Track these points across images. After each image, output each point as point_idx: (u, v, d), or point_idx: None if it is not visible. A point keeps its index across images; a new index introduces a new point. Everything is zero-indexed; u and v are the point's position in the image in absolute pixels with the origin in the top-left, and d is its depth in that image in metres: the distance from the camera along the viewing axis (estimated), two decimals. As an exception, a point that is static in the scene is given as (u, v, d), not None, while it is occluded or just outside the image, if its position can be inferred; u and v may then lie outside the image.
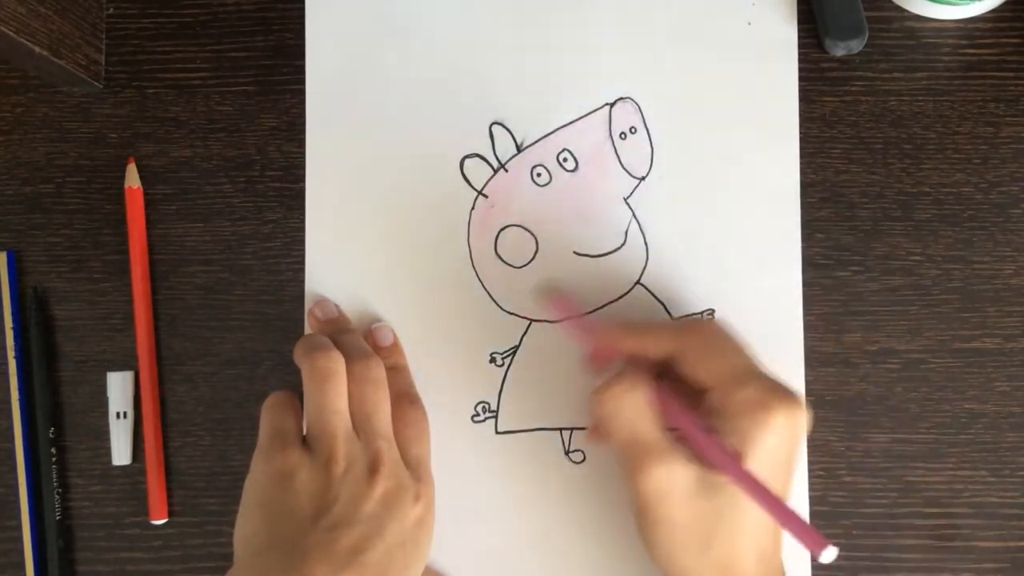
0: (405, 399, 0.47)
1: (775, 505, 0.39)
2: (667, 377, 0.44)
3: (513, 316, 0.50)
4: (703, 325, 0.44)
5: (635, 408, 0.43)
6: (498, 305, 0.50)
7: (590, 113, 0.50)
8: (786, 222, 0.49)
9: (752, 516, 0.41)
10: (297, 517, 0.42)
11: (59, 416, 0.50)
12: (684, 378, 0.43)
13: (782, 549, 0.43)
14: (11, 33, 0.43)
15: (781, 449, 0.41)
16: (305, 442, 0.44)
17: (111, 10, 0.52)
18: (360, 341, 0.47)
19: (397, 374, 0.48)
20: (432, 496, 0.45)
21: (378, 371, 0.45)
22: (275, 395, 0.46)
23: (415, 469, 0.45)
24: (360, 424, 0.44)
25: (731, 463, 0.40)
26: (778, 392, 0.41)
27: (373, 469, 0.43)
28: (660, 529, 0.42)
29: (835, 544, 0.37)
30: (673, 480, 0.41)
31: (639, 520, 0.43)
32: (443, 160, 0.50)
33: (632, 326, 0.45)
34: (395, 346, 0.49)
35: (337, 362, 0.45)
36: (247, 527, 0.43)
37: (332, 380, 0.44)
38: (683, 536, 0.41)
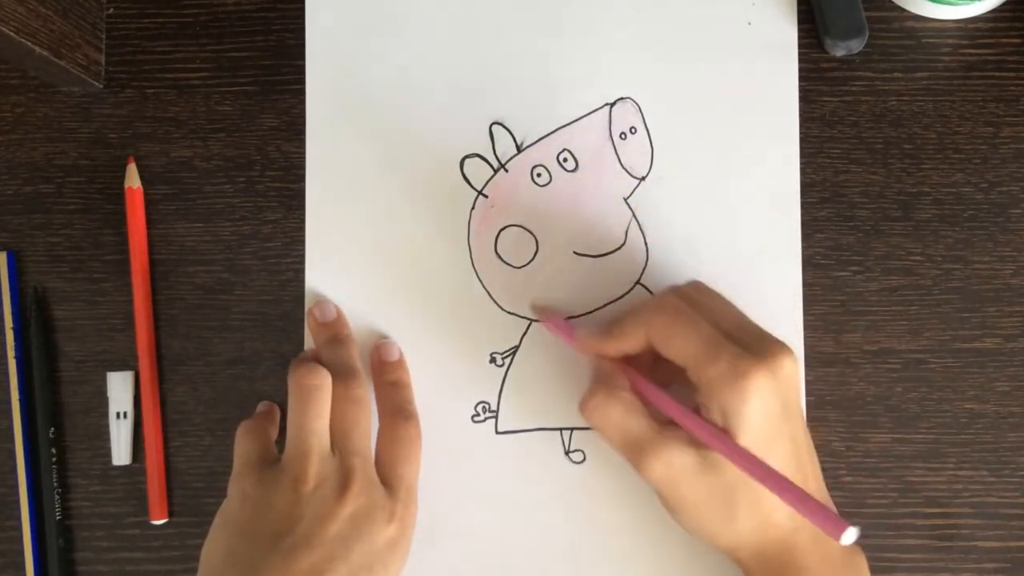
0: (400, 415, 0.47)
1: (772, 480, 0.39)
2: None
3: (513, 316, 0.50)
4: (666, 304, 0.43)
5: (619, 410, 0.42)
6: (498, 305, 0.50)
7: (590, 113, 0.50)
8: (786, 222, 0.49)
9: None
10: (259, 537, 0.42)
11: (59, 416, 0.50)
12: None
13: (820, 478, 0.43)
14: (11, 33, 0.43)
15: (771, 410, 0.40)
16: (280, 462, 0.44)
17: (111, 10, 0.52)
18: (349, 357, 0.47)
19: (397, 389, 0.48)
20: (410, 518, 0.45)
21: (360, 390, 0.46)
22: (245, 422, 0.47)
23: (396, 489, 0.45)
24: (338, 441, 0.45)
25: (719, 440, 0.40)
26: (751, 353, 0.40)
27: (343, 488, 0.43)
28: (682, 511, 0.42)
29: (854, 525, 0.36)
30: (673, 466, 0.41)
31: (663, 506, 0.43)
32: (443, 160, 0.50)
33: (607, 331, 0.45)
34: (399, 362, 0.49)
35: (321, 378, 0.45)
36: (210, 547, 0.44)
37: (313, 397, 0.45)
38: (706, 512, 0.42)
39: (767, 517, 0.41)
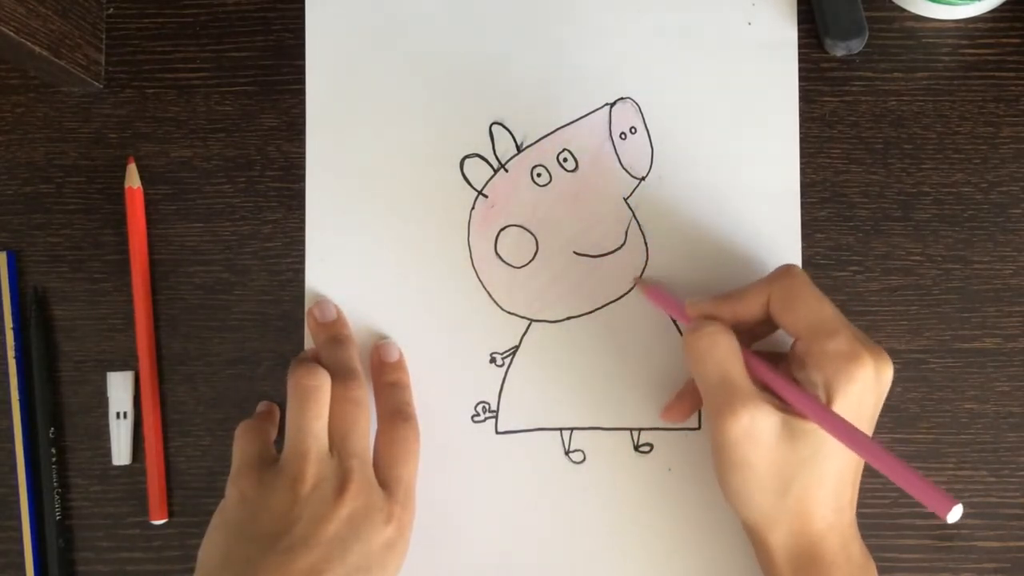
0: (399, 416, 0.47)
1: (865, 446, 0.39)
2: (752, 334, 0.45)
3: (513, 316, 0.50)
4: (790, 275, 0.43)
5: (727, 350, 0.43)
6: (498, 305, 0.50)
7: (590, 113, 0.50)
8: (786, 222, 0.49)
9: (834, 466, 0.42)
10: (256, 538, 0.42)
11: (59, 416, 0.50)
12: (776, 326, 0.44)
13: (856, 504, 0.43)
14: (11, 33, 0.43)
15: (866, 402, 0.41)
16: (278, 462, 0.44)
17: (111, 10, 0.52)
18: (349, 358, 0.47)
19: (396, 390, 0.48)
20: (408, 519, 0.45)
21: (359, 391, 0.46)
22: (244, 423, 0.47)
23: (394, 490, 0.45)
24: (336, 443, 0.45)
25: (815, 407, 0.40)
26: (867, 343, 0.41)
27: (341, 489, 0.43)
28: (739, 471, 0.42)
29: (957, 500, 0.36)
30: (759, 425, 0.41)
31: (718, 461, 0.43)
32: (443, 160, 0.50)
33: (724, 297, 0.45)
34: (399, 363, 0.49)
35: (320, 379, 0.45)
36: (208, 547, 0.44)
37: (312, 398, 0.45)
38: (762, 480, 0.42)
39: (813, 507, 0.42)
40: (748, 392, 0.41)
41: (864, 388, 0.41)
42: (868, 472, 0.49)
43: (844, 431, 0.39)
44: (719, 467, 0.43)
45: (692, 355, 0.43)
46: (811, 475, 0.41)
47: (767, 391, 0.42)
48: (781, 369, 0.44)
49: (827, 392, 0.41)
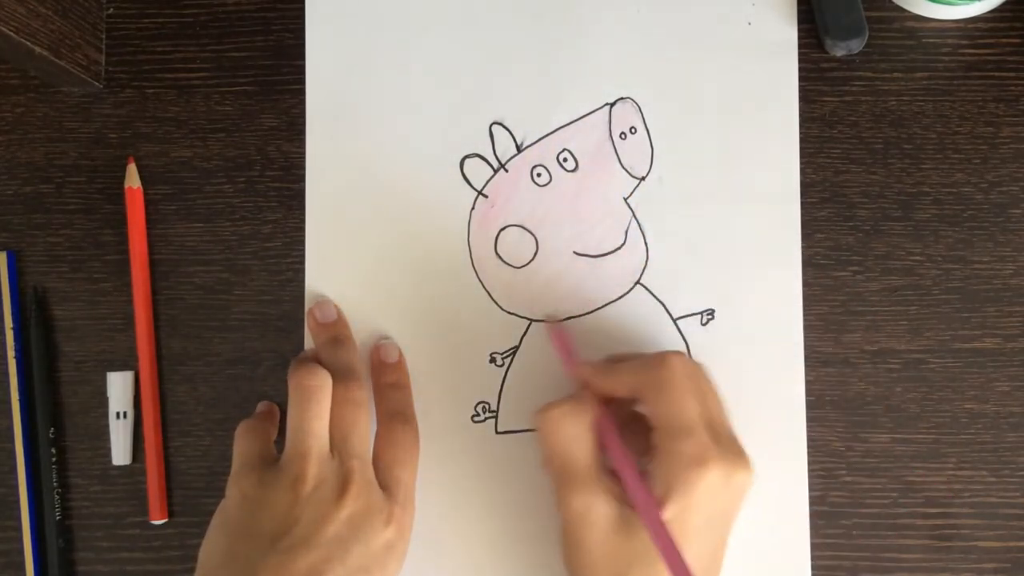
0: (398, 418, 0.47)
1: (677, 565, 0.38)
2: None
3: (513, 316, 0.50)
4: (670, 365, 0.42)
5: (574, 432, 0.42)
6: (498, 305, 0.50)
7: (590, 113, 0.50)
8: (786, 222, 0.49)
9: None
10: (257, 537, 0.42)
11: (59, 416, 0.50)
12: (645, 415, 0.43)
13: None
14: (11, 33, 0.43)
15: (709, 509, 0.40)
16: (279, 462, 0.44)
17: (111, 10, 0.52)
18: (350, 358, 0.47)
19: (396, 392, 0.48)
20: (407, 520, 0.45)
21: (359, 392, 0.46)
22: (245, 422, 0.47)
23: (394, 491, 0.45)
24: (337, 444, 0.45)
25: (649, 509, 0.40)
26: (722, 450, 0.40)
27: (342, 489, 0.43)
28: (577, 555, 0.42)
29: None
30: (593, 511, 0.41)
31: (562, 540, 0.42)
32: (443, 160, 0.50)
33: (604, 367, 0.45)
34: (399, 364, 0.49)
35: (321, 379, 0.45)
36: (208, 546, 0.44)
37: (313, 399, 0.45)
38: (597, 567, 0.41)
39: None
40: (586, 477, 0.41)
41: (707, 494, 0.40)
42: (868, 472, 0.49)
43: (661, 540, 0.39)
44: (562, 547, 0.43)
45: (539, 434, 0.43)
46: (647, 571, 0.40)
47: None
48: (642, 456, 0.43)
49: (666, 491, 0.40)
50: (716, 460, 0.40)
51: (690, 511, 0.40)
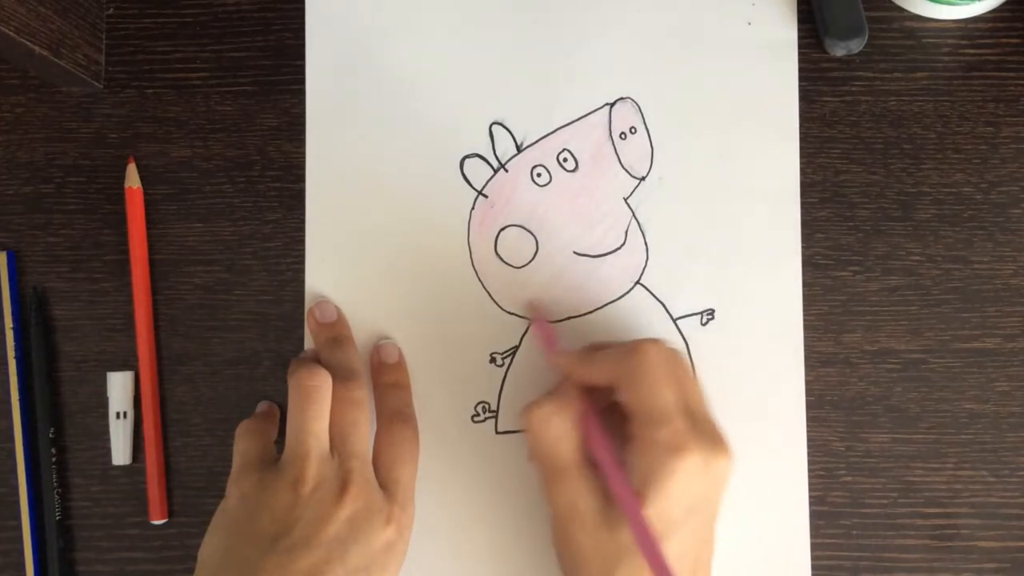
0: (398, 418, 0.47)
1: (655, 559, 0.38)
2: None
3: (513, 316, 0.50)
4: (644, 353, 0.42)
5: (559, 429, 0.43)
6: (498, 305, 0.50)
7: (590, 113, 0.50)
8: (786, 222, 0.49)
9: None
10: (257, 538, 0.42)
11: (59, 416, 0.50)
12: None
13: None
14: (11, 33, 0.43)
15: (689, 497, 0.40)
16: (279, 462, 0.44)
17: (111, 10, 0.52)
18: (350, 358, 0.47)
19: (396, 392, 0.48)
20: (407, 520, 0.45)
21: (360, 392, 0.46)
22: (245, 422, 0.47)
23: (393, 491, 0.45)
24: (337, 444, 0.45)
25: (628, 501, 0.40)
26: (699, 436, 0.40)
27: (342, 490, 0.43)
28: (567, 549, 0.42)
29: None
30: (578, 504, 0.41)
31: (552, 536, 0.43)
32: (443, 160, 0.50)
33: (582, 355, 0.45)
34: (398, 364, 0.49)
35: (321, 379, 0.45)
36: (209, 546, 0.44)
37: (314, 399, 0.45)
38: (586, 564, 0.41)
39: None
40: (573, 472, 0.42)
41: (685, 482, 0.40)
42: (868, 472, 0.49)
43: (641, 537, 0.39)
44: (552, 541, 0.43)
45: (527, 432, 0.43)
46: (632, 565, 0.40)
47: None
48: (622, 447, 0.42)
49: (643, 481, 0.40)
50: (693, 447, 0.40)
51: (670, 500, 0.40)
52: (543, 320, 0.48)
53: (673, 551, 0.40)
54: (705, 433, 0.41)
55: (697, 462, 0.40)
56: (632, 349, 0.42)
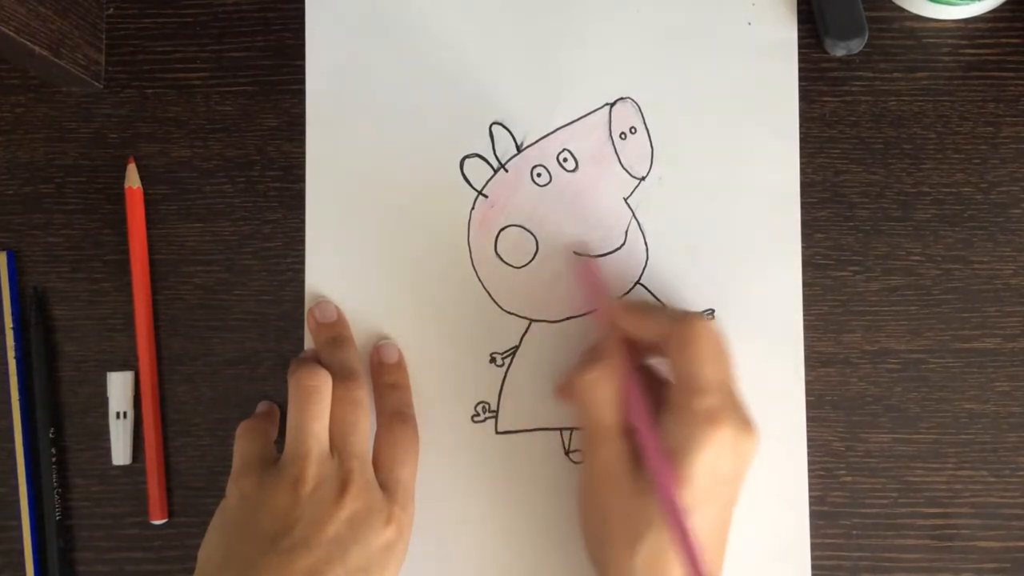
0: (397, 418, 0.47)
1: (678, 527, 0.39)
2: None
3: (513, 316, 0.50)
4: (696, 324, 0.43)
5: (606, 392, 0.43)
6: (498, 305, 0.50)
7: (590, 113, 0.50)
8: (786, 222, 0.49)
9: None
10: (257, 538, 0.42)
11: (59, 416, 0.50)
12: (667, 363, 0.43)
13: (722, 567, 0.42)
14: (11, 33, 0.43)
15: (719, 467, 0.41)
16: (279, 462, 0.44)
17: (111, 10, 0.52)
18: (350, 359, 0.48)
19: (395, 392, 0.48)
20: (407, 520, 0.45)
21: (359, 392, 0.46)
22: (245, 422, 0.47)
23: (393, 491, 0.45)
24: (337, 444, 0.45)
25: (661, 470, 0.40)
26: (734, 413, 0.41)
27: (342, 490, 0.43)
28: (595, 511, 0.42)
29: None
30: (615, 467, 0.42)
31: (580, 500, 0.44)
32: (443, 160, 0.50)
33: (633, 306, 0.46)
34: (398, 364, 0.49)
35: (321, 380, 0.45)
36: (209, 546, 0.44)
37: (314, 399, 0.45)
38: (614, 528, 0.41)
39: (663, 570, 0.40)
40: (613, 435, 0.42)
41: (718, 452, 0.40)
42: (868, 472, 0.49)
43: (667, 501, 0.39)
44: (580, 510, 0.44)
45: (576, 394, 0.44)
46: (660, 535, 0.40)
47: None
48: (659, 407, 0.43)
49: (677, 448, 0.40)
50: (728, 421, 0.41)
51: (702, 468, 0.40)
52: (591, 260, 0.48)
53: (696, 526, 0.40)
54: (738, 411, 0.42)
55: (729, 436, 0.41)
56: (686, 317, 0.43)
